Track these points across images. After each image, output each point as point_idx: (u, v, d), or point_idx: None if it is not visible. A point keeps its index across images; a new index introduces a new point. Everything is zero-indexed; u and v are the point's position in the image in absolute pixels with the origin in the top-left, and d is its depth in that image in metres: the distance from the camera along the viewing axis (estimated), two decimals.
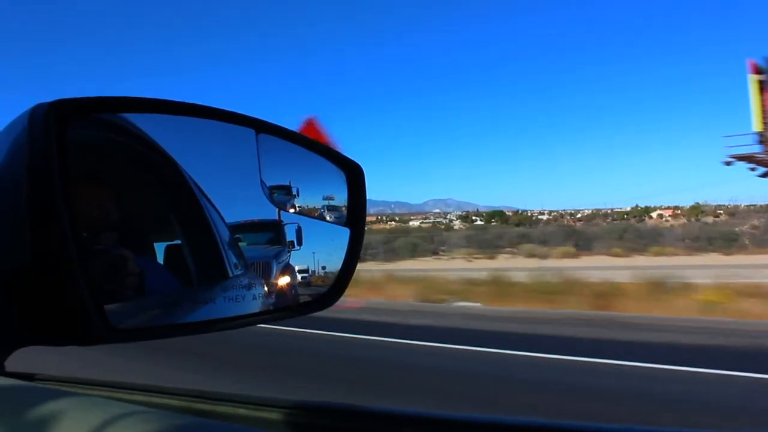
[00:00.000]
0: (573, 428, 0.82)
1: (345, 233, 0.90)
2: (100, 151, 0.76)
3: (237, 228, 0.87)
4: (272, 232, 0.87)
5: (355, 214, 0.90)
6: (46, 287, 0.54)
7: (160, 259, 0.81)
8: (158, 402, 0.72)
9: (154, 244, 0.82)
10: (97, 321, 0.55)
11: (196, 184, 0.87)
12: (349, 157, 0.88)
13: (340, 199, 0.91)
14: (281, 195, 0.88)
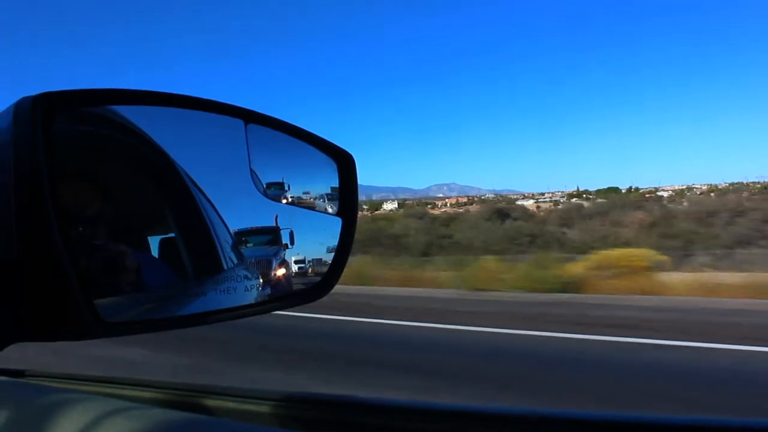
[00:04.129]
0: (573, 417, 0.82)
1: (337, 223, 0.93)
2: (89, 145, 0.75)
3: (243, 233, 0.94)
4: (271, 234, 0.94)
5: (346, 203, 0.94)
6: (35, 284, 0.54)
7: (155, 253, 0.81)
8: (147, 396, 0.72)
9: (149, 237, 0.83)
10: (88, 315, 0.55)
11: (188, 176, 0.87)
12: (339, 145, 0.90)
13: (324, 188, 0.97)
14: (275, 191, 0.93)
